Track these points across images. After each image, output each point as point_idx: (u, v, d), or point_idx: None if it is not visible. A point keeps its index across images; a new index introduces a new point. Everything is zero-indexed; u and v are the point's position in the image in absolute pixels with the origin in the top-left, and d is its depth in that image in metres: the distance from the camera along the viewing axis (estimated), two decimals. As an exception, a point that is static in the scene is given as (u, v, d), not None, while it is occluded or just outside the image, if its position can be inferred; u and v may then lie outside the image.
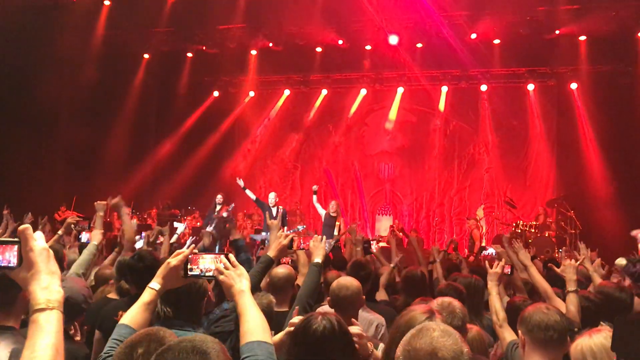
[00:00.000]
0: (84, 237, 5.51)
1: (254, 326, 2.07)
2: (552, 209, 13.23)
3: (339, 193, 16.24)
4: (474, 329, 3.27)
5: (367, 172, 16.32)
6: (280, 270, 4.12)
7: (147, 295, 2.34)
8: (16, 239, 1.57)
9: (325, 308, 4.32)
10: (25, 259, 1.56)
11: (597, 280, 4.76)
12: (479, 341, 3.37)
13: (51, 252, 1.60)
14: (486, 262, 4.24)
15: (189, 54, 15.79)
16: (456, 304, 2.96)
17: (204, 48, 15.22)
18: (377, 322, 3.94)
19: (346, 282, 3.59)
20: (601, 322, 3.53)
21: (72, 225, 5.70)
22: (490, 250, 6.94)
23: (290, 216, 14.00)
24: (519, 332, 2.61)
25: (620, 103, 13.09)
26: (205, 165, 15.63)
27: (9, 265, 1.56)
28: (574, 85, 14.17)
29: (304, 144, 16.92)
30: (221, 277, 2.23)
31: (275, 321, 3.11)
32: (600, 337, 2.30)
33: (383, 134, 16.20)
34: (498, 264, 3.94)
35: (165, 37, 14.94)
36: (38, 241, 1.58)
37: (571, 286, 3.81)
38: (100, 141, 14.44)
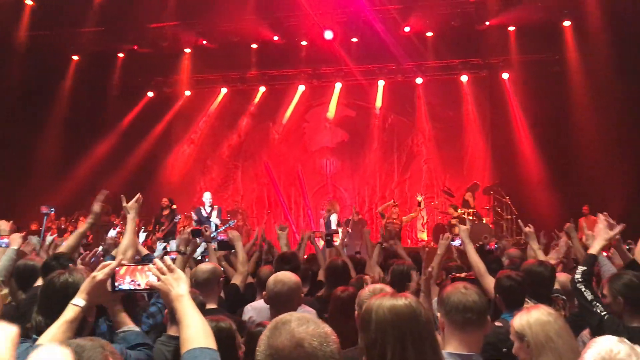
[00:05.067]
0: (3, 242, 5.20)
1: (196, 332, 1.91)
2: (489, 195, 13.50)
3: (282, 191, 16.11)
4: None
5: (309, 168, 16.23)
6: (205, 266, 3.99)
7: (70, 312, 2.14)
8: None
9: (257, 305, 4.22)
10: None
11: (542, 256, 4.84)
12: None
13: None
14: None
15: (120, 54, 15.32)
16: (388, 289, 2.88)
17: (136, 48, 14.82)
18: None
19: (284, 277, 3.47)
20: (526, 299, 3.59)
21: None
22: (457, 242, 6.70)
23: (232, 216, 13.78)
24: (439, 314, 2.54)
25: (549, 90, 13.49)
26: (142, 168, 15.13)
27: None
28: (505, 75, 14.51)
29: (244, 143, 16.67)
30: (157, 284, 2.06)
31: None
32: (538, 313, 2.50)
33: (323, 130, 16.16)
34: (446, 235, 3.83)
35: (95, 37, 14.34)
36: None
37: None
38: (30, 145, 13.83)
